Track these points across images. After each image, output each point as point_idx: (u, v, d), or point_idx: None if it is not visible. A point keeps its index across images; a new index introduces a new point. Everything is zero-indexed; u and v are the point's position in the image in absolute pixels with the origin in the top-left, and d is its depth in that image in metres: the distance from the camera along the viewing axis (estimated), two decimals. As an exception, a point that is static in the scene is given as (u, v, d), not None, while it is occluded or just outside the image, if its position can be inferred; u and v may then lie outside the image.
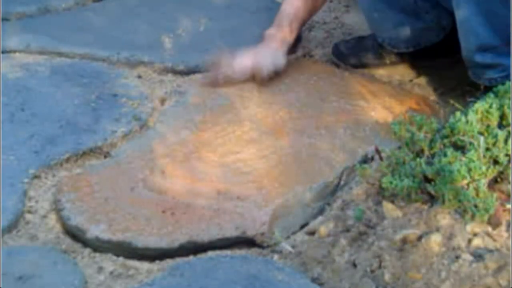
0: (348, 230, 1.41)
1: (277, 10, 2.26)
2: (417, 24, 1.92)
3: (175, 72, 2.04)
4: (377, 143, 1.62)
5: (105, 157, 1.71)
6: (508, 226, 1.30)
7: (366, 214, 1.41)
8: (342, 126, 1.78)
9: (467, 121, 1.38)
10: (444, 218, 1.31)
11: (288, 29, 1.96)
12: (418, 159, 1.39)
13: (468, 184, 1.30)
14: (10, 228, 1.49)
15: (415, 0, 1.89)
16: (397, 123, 1.47)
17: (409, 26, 1.93)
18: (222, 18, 2.28)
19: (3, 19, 2.23)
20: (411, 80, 2.00)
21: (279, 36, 1.95)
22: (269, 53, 1.92)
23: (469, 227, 1.29)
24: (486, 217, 1.30)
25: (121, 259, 1.44)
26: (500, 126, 1.40)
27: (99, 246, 1.46)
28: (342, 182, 1.61)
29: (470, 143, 1.36)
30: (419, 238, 1.30)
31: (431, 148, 1.41)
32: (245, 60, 1.91)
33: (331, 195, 1.57)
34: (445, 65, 2.03)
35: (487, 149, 1.35)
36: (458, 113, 1.41)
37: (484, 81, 1.76)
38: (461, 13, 1.72)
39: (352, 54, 2.04)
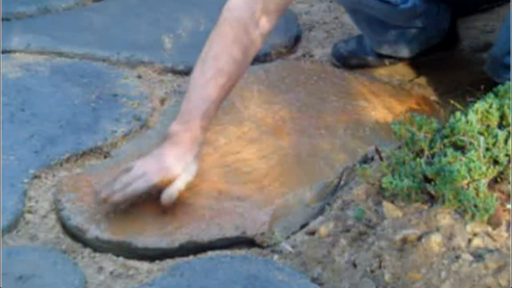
0: (348, 230, 1.41)
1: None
2: (418, 36, 1.92)
3: (175, 72, 2.04)
4: (377, 143, 1.62)
5: (105, 157, 1.71)
6: (508, 226, 1.30)
7: (366, 214, 1.40)
8: (342, 126, 1.78)
9: (467, 121, 1.38)
10: (444, 218, 1.31)
11: (198, 125, 1.53)
12: (418, 159, 1.39)
13: (468, 184, 1.30)
14: (10, 228, 1.49)
15: (417, 20, 1.88)
16: (397, 123, 1.47)
17: (410, 40, 1.92)
18: (222, 18, 2.28)
19: (3, 19, 2.23)
20: (411, 80, 2.00)
21: (188, 136, 1.53)
22: (177, 162, 1.50)
23: (469, 227, 1.29)
24: (486, 217, 1.30)
25: (121, 259, 1.44)
26: (500, 126, 1.40)
27: (99, 246, 1.46)
28: (342, 182, 1.61)
29: (470, 143, 1.35)
30: (419, 238, 1.30)
31: (431, 148, 1.41)
32: (148, 174, 1.48)
33: (331, 195, 1.57)
34: (445, 65, 2.03)
35: (487, 149, 1.35)
36: (458, 113, 1.41)
37: (502, 80, 1.75)
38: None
39: (352, 56, 2.04)
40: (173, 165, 1.50)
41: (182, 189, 1.50)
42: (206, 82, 1.54)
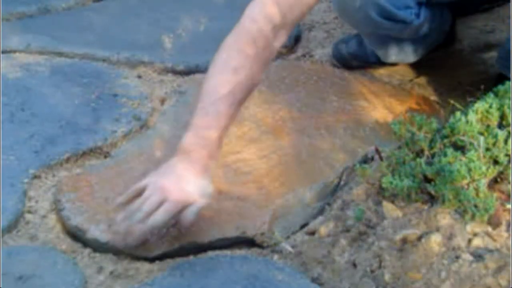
0: (348, 230, 1.41)
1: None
2: (424, 42, 1.92)
3: (175, 72, 2.04)
4: (377, 143, 1.62)
5: (105, 157, 1.71)
6: (508, 226, 1.30)
7: (366, 214, 1.41)
8: (342, 126, 1.78)
9: (467, 121, 1.38)
10: (444, 218, 1.31)
11: (216, 142, 1.46)
12: (418, 159, 1.39)
13: (468, 184, 1.30)
14: (10, 228, 1.49)
15: (424, 28, 1.87)
16: (397, 123, 1.47)
17: (417, 46, 1.92)
18: (222, 18, 2.28)
19: (3, 19, 2.23)
20: (411, 80, 2.00)
21: (205, 154, 1.44)
22: (195, 186, 1.43)
23: (469, 227, 1.30)
24: (486, 217, 1.30)
25: (121, 259, 1.44)
26: (500, 126, 1.40)
27: (99, 246, 1.46)
28: (342, 182, 1.60)
29: (470, 143, 1.35)
30: (419, 238, 1.30)
31: (431, 148, 1.41)
32: (168, 203, 1.40)
33: (331, 195, 1.57)
34: (445, 65, 2.03)
35: (487, 149, 1.35)
36: (458, 113, 1.41)
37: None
38: None
39: (353, 57, 2.03)
40: (192, 190, 1.42)
41: (199, 209, 1.43)
42: (225, 96, 1.46)
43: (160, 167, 1.47)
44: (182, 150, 1.45)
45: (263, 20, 1.50)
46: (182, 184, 1.42)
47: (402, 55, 1.95)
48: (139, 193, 1.43)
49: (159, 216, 1.39)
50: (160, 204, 1.39)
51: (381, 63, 2.02)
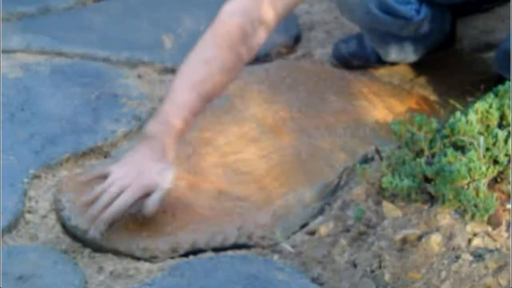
0: (348, 230, 1.41)
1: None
2: (424, 41, 1.92)
3: (175, 72, 2.03)
4: (377, 143, 1.62)
5: (105, 157, 1.71)
6: (508, 226, 1.30)
7: (366, 214, 1.41)
8: (342, 126, 1.77)
9: (467, 121, 1.38)
10: (444, 218, 1.31)
11: (178, 128, 1.47)
12: (418, 159, 1.39)
13: (468, 184, 1.30)
14: (10, 228, 1.49)
15: (426, 27, 1.87)
16: (397, 123, 1.47)
17: (417, 46, 1.92)
18: (222, 18, 2.28)
19: (3, 19, 2.23)
20: (411, 80, 2.00)
21: (166, 139, 1.47)
22: (155, 172, 1.44)
23: (469, 227, 1.29)
24: (486, 217, 1.30)
25: (121, 259, 1.44)
26: (500, 126, 1.40)
27: (99, 246, 1.46)
28: (342, 182, 1.60)
29: (470, 143, 1.35)
30: (419, 238, 1.30)
31: (431, 148, 1.41)
32: (128, 191, 1.43)
33: (331, 195, 1.57)
34: (445, 65, 2.03)
35: (487, 149, 1.35)
36: (458, 113, 1.41)
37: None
38: None
39: (353, 57, 2.03)
40: (153, 177, 1.43)
41: (162, 198, 1.45)
42: (193, 85, 1.48)
43: (124, 156, 1.50)
44: (145, 137, 1.48)
45: (241, 15, 1.51)
46: (143, 170, 1.43)
47: (402, 54, 1.95)
48: (103, 176, 1.47)
49: (121, 204, 1.42)
50: (121, 192, 1.42)
51: (381, 63, 2.02)
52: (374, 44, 1.97)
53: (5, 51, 2.07)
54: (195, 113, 1.49)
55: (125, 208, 1.43)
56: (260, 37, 1.53)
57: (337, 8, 2.03)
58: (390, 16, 1.80)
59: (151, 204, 1.43)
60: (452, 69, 2.02)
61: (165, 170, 1.45)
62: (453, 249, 1.27)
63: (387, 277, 1.28)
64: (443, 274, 1.24)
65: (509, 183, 1.34)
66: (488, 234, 1.29)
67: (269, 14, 1.52)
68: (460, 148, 1.37)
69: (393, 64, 2.02)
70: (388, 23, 1.82)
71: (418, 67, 2.03)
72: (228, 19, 1.52)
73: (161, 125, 1.47)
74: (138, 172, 1.44)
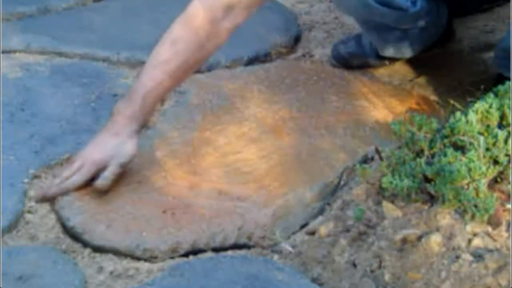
0: (348, 230, 1.41)
1: (277, 9, 2.26)
2: (421, 36, 1.92)
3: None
4: (377, 143, 1.62)
5: (105, 157, 1.71)
6: (508, 226, 1.30)
7: (366, 214, 1.40)
8: (342, 126, 1.78)
9: (467, 121, 1.38)
10: (444, 218, 1.31)
11: (140, 102, 1.55)
12: (418, 159, 1.39)
13: (468, 184, 1.30)
14: (10, 228, 1.49)
15: (422, 20, 1.87)
16: (397, 123, 1.47)
17: (413, 40, 1.92)
18: (222, 18, 2.28)
19: (3, 19, 2.23)
20: (411, 80, 2.00)
21: (127, 112, 1.55)
22: (110, 146, 1.53)
23: (469, 227, 1.29)
24: (486, 217, 1.30)
25: (121, 259, 1.44)
26: (500, 126, 1.40)
27: (99, 246, 1.46)
28: (342, 182, 1.61)
29: (470, 143, 1.35)
30: (419, 238, 1.30)
31: (431, 148, 1.41)
32: (84, 167, 1.53)
33: (331, 195, 1.57)
34: (445, 65, 2.03)
35: (487, 149, 1.35)
36: (458, 113, 1.41)
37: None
38: None
39: (352, 57, 2.03)
40: (108, 152, 1.52)
41: (117, 172, 1.52)
42: (158, 64, 1.55)
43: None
44: (111, 114, 1.57)
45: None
46: (99, 147, 1.54)
47: (399, 49, 1.95)
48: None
49: (75, 180, 1.52)
50: (78, 169, 1.53)
51: (380, 62, 2.02)
52: (371, 38, 1.97)
53: (5, 51, 2.07)
54: (161, 91, 1.57)
55: (79, 185, 1.52)
56: (233, 22, 1.56)
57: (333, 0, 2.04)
58: (386, 7, 1.80)
59: (101, 180, 1.51)
60: (452, 69, 2.02)
61: (122, 144, 1.53)
62: (453, 249, 1.27)
63: (387, 277, 1.28)
64: (443, 274, 1.24)
65: (509, 183, 1.34)
66: (488, 234, 1.29)
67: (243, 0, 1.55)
68: (460, 148, 1.37)
69: (393, 64, 2.03)
70: (384, 15, 1.83)
71: (418, 67, 2.03)
72: (199, 2, 1.56)
73: (125, 102, 1.57)
74: (94, 149, 1.54)
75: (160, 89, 1.56)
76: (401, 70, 2.03)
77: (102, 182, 1.52)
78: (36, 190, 1.57)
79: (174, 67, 1.55)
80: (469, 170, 1.29)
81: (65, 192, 1.53)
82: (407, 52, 1.96)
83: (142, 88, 1.55)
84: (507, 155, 1.34)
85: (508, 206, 1.32)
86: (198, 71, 1.99)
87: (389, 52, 1.96)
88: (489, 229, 1.30)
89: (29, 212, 1.55)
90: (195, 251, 1.46)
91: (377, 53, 2.01)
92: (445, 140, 1.40)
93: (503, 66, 1.77)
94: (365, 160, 1.65)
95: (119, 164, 1.53)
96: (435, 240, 1.28)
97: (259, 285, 1.32)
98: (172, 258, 1.45)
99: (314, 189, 1.58)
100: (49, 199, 1.54)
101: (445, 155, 1.34)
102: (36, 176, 1.63)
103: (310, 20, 2.32)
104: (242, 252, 1.47)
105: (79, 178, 1.53)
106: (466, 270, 1.23)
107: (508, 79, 1.51)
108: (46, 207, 1.56)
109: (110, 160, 1.52)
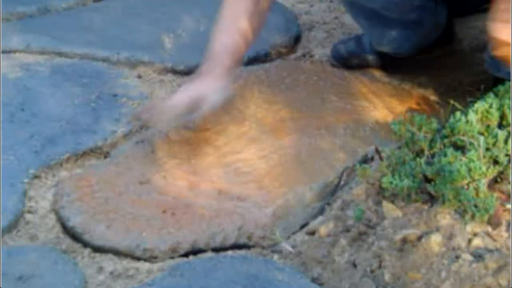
0: (348, 230, 1.41)
1: (277, 9, 2.26)
2: (416, 31, 1.91)
3: (175, 72, 2.04)
4: (377, 143, 1.62)
5: (105, 157, 1.71)
6: (508, 226, 1.30)
7: (366, 214, 1.41)
8: (342, 126, 1.77)
9: (467, 121, 1.38)
10: (444, 218, 1.31)
11: (225, 63, 1.69)
12: (418, 159, 1.39)
13: (468, 184, 1.30)
14: (10, 228, 1.49)
15: (414, 13, 1.87)
16: (397, 123, 1.47)
17: (409, 35, 1.92)
18: (222, 18, 2.28)
19: (3, 19, 2.23)
20: (411, 80, 2.00)
21: (215, 70, 1.68)
22: (213, 83, 1.67)
23: (469, 227, 1.30)
24: (486, 217, 1.30)
25: (121, 259, 1.44)
26: (500, 126, 1.40)
27: (99, 246, 1.46)
28: (342, 182, 1.61)
29: (470, 143, 1.36)
30: (419, 238, 1.30)
31: (431, 148, 1.41)
32: (183, 94, 1.67)
33: (331, 195, 1.57)
34: (445, 65, 2.03)
35: (487, 149, 1.35)
36: (458, 113, 1.41)
37: (503, 74, 1.74)
38: None
39: (352, 56, 2.03)
40: (201, 89, 1.64)
41: (219, 99, 1.65)
42: (228, 32, 1.70)
43: None
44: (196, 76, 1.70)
45: None
46: (194, 88, 1.66)
47: (394, 44, 1.94)
48: None
49: (176, 103, 1.64)
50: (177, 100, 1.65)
51: (380, 62, 2.02)
52: (366, 31, 1.97)
53: (5, 51, 2.07)
54: (239, 52, 1.71)
55: (181, 108, 1.63)
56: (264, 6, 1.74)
57: None
58: None
59: (206, 105, 1.64)
60: (452, 69, 2.02)
61: (217, 88, 1.66)
62: (453, 249, 1.27)
63: (387, 277, 1.28)
64: (443, 274, 1.24)
65: (509, 183, 1.34)
66: (488, 234, 1.29)
67: None
68: (460, 148, 1.37)
69: (392, 64, 2.02)
70: None
71: (418, 67, 2.03)
72: None
73: (208, 65, 1.67)
74: (191, 89, 1.66)
75: (238, 50, 1.70)
76: (401, 70, 2.03)
77: (206, 106, 1.64)
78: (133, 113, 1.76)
79: (242, 26, 1.69)
80: (469, 170, 1.29)
81: (162, 117, 1.65)
82: (404, 49, 1.95)
83: (224, 50, 1.68)
84: (507, 155, 1.35)
85: (508, 206, 1.32)
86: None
87: (385, 47, 1.96)
88: (489, 229, 1.30)
89: (29, 212, 1.55)
90: (195, 251, 1.46)
91: (377, 53, 2.01)
92: (445, 140, 1.40)
93: (494, 66, 1.77)
94: (365, 160, 1.65)
95: (217, 100, 1.65)
96: (435, 240, 1.28)
97: (259, 285, 1.32)
98: (172, 258, 1.45)
99: (314, 189, 1.58)
100: (146, 122, 1.71)
101: (445, 155, 1.34)
102: (36, 176, 1.63)
103: (310, 20, 2.32)
104: (242, 252, 1.47)
105: (184, 101, 1.63)
106: (466, 270, 1.23)
107: (505, 79, 1.51)
108: (46, 207, 1.56)
109: (205, 96, 1.64)
